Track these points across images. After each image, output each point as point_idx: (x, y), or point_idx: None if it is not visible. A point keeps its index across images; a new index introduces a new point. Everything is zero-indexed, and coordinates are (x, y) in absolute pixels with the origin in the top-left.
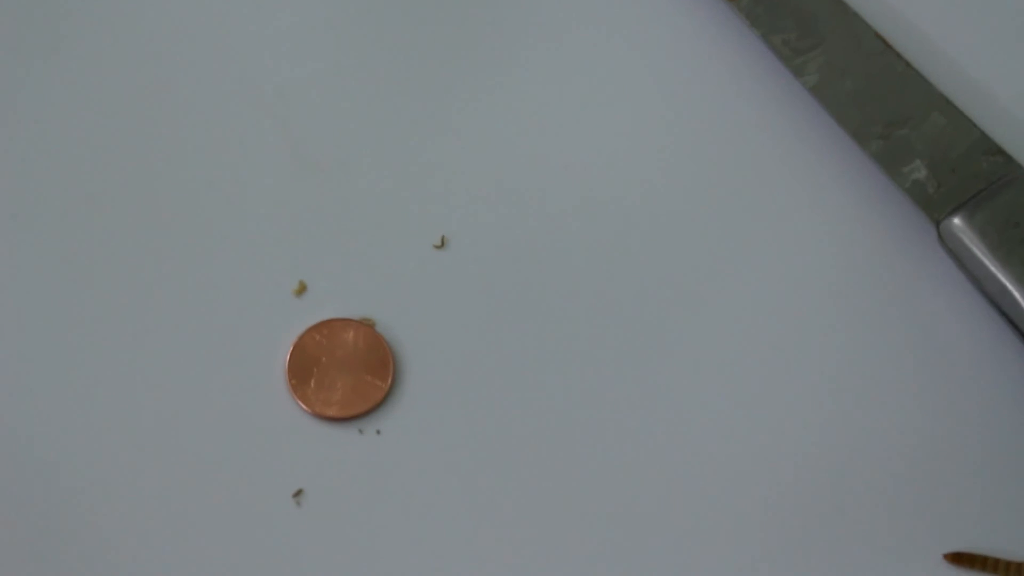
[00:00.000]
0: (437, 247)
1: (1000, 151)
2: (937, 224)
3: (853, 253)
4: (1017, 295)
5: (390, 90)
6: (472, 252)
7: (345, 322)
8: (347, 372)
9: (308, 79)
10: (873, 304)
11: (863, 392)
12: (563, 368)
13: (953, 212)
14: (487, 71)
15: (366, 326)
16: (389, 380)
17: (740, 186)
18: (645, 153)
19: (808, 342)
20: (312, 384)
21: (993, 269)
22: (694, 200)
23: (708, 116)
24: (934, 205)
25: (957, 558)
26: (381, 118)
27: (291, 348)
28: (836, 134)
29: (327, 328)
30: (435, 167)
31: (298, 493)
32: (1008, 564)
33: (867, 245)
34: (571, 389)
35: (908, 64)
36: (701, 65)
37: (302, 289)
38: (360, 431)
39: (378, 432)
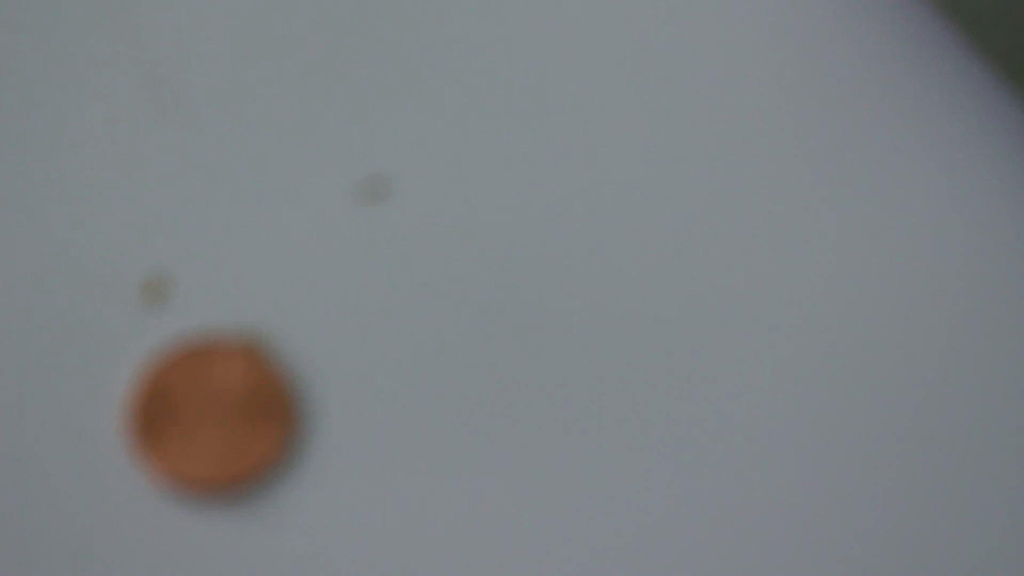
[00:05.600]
0: (366, 200)
1: None
2: None
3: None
4: None
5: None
6: (418, 229)
7: (220, 342)
8: (222, 419)
9: None
10: None
11: None
12: (553, 420)
13: None
14: None
15: (252, 348)
16: (286, 430)
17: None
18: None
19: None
20: (167, 437)
21: None
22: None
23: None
24: None
25: None
26: (280, 31)
27: (136, 382)
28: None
29: (193, 351)
30: (364, 99)
31: None
32: None
33: None
34: (563, 456)
35: None
36: None
37: (155, 290)
38: (239, 508)
39: (267, 509)
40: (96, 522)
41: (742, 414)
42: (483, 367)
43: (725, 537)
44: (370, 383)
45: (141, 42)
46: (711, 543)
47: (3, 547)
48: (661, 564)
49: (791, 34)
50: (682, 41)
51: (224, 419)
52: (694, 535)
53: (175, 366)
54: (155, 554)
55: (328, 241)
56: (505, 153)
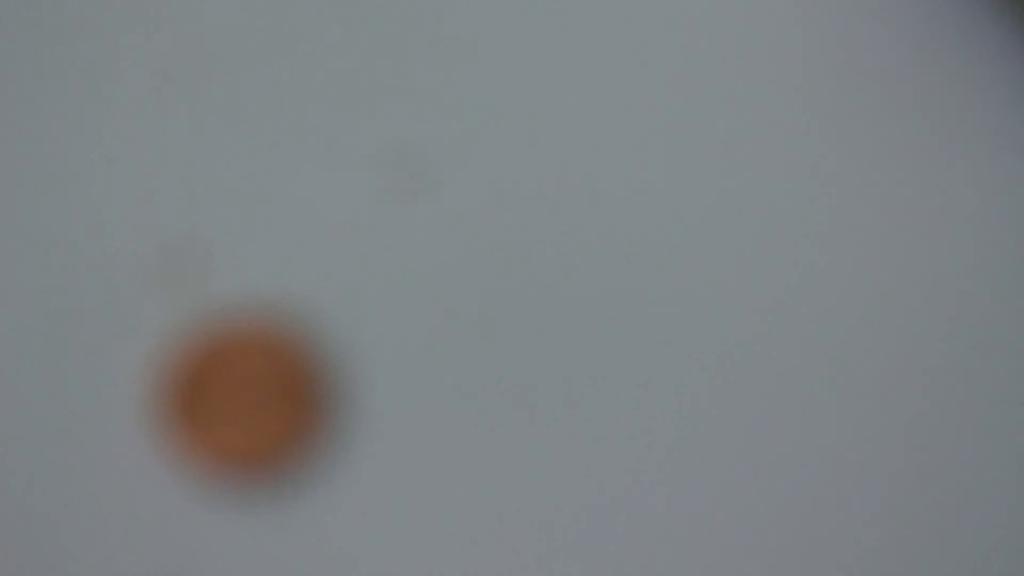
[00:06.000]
0: (399, 185)
1: None
2: None
3: None
4: None
5: None
6: (459, 208)
7: (249, 321)
8: (250, 401)
9: None
10: None
11: None
12: (599, 409)
13: None
14: None
15: (286, 328)
16: (317, 415)
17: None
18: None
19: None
20: (199, 418)
21: None
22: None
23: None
24: None
25: None
26: None
27: (162, 363)
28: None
29: (219, 331)
30: (399, 65)
31: None
32: None
33: None
34: (609, 445)
35: None
36: None
37: (179, 268)
38: (268, 495)
39: (299, 492)
40: (117, 507)
41: (785, 412)
42: (527, 354)
43: (762, 533)
44: (407, 365)
45: (166, 7)
46: (750, 538)
47: (19, 530)
48: (689, 559)
49: (819, 20)
50: (713, 17)
51: (258, 399)
52: (736, 529)
53: (208, 346)
54: (177, 542)
55: (364, 220)
56: (546, 134)
